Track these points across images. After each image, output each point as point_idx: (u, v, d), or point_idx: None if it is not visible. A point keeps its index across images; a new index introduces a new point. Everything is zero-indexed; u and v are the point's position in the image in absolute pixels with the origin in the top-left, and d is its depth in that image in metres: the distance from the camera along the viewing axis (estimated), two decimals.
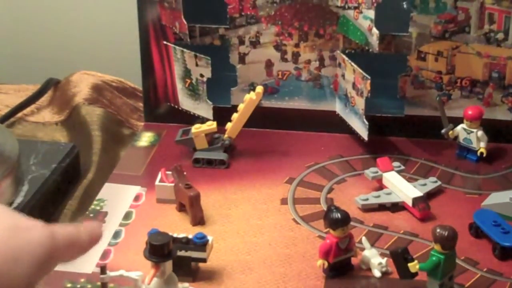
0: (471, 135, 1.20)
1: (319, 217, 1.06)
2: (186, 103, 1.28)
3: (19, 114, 1.38)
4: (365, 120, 1.18)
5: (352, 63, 1.20)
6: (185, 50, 1.24)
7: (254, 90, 1.21)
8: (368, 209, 1.09)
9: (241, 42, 1.27)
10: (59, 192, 1.14)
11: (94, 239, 0.79)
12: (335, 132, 1.28)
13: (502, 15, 1.20)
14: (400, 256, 0.92)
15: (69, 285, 0.95)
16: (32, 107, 1.40)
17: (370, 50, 1.19)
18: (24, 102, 1.39)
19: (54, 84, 1.45)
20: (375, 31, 1.15)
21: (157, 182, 1.10)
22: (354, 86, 1.20)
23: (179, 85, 1.27)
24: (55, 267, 0.73)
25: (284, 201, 1.11)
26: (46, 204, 1.11)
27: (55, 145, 1.23)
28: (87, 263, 0.98)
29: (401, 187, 1.10)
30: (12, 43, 1.63)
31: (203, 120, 1.23)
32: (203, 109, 1.25)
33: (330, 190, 1.14)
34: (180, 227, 1.05)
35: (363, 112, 1.18)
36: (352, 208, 1.08)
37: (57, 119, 1.37)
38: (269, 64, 1.28)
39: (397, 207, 1.09)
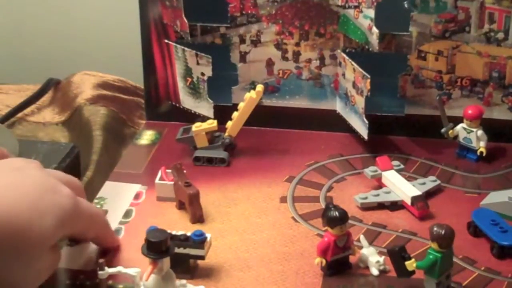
0: (471, 135, 1.20)
1: (318, 215, 1.05)
2: (187, 101, 1.28)
3: (20, 114, 1.38)
4: (365, 119, 1.18)
5: (353, 62, 1.20)
6: (186, 48, 1.24)
7: (254, 88, 1.21)
8: (367, 207, 1.09)
9: (242, 41, 1.27)
10: None
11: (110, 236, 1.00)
12: (335, 131, 1.28)
13: (502, 15, 1.20)
14: (397, 254, 0.92)
15: (68, 282, 0.96)
16: (33, 107, 1.40)
17: (370, 49, 1.19)
18: (24, 102, 1.40)
19: (54, 84, 1.45)
20: (375, 30, 1.15)
21: (157, 180, 1.11)
22: (354, 85, 1.21)
23: (180, 84, 1.28)
24: (75, 231, 0.91)
25: (283, 200, 1.12)
26: None
27: (55, 145, 1.23)
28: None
29: (400, 186, 1.10)
30: (12, 43, 1.64)
31: (203, 119, 1.24)
32: (204, 107, 1.25)
33: (330, 188, 1.14)
34: (179, 225, 1.05)
35: (363, 111, 1.18)
36: (351, 207, 1.08)
37: (58, 120, 1.37)
38: (269, 63, 1.28)
39: (396, 205, 1.09)
